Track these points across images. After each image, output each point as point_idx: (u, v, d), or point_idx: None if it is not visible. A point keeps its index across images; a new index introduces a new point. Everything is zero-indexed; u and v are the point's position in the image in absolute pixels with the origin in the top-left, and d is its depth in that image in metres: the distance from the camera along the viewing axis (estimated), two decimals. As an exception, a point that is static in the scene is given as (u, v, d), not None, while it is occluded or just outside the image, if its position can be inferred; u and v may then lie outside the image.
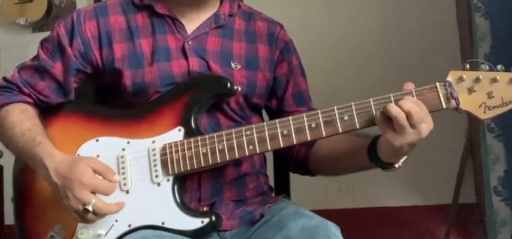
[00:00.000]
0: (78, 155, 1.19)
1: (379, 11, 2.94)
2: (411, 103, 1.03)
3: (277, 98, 1.35)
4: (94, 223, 1.12)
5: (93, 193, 1.09)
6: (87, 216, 1.09)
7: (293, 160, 1.35)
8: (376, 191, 2.89)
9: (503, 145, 2.20)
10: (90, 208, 1.08)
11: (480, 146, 2.29)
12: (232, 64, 1.27)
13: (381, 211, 2.86)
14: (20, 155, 1.21)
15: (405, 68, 2.76)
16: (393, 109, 1.03)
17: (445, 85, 1.06)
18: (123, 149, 1.18)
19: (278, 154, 1.39)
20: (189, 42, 1.26)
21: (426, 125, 1.03)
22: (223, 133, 1.13)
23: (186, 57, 1.24)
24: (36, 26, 3.33)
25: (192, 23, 1.28)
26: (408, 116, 1.02)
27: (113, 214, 1.12)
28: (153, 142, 1.17)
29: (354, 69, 2.91)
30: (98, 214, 1.10)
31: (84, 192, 1.08)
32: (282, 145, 1.11)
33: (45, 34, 1.32)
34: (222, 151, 1.12)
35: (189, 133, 1.16)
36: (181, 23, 1.27)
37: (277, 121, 1.11)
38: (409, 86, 1.07)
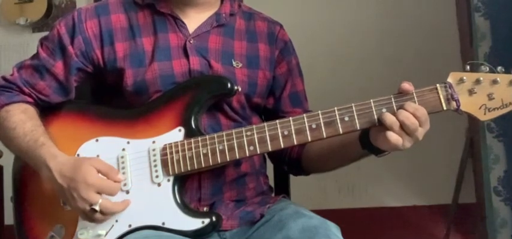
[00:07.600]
0: (78, 155, 1.19)
1: (378, 10, 2.94)
2: (407, 114, 1.02)
3: (275, 97, 1.35)
4: (101, 222, 1.12)
5: (99, 193, 1.10)
6: (94, 216, 1.10)
7: (286, 160, 1.35)
8: (376, 191, 2.89)
9: (503, 145, 2.20)
10: (97, 207, 1.08)
11: (480, 146, 2.29)
12: (233, 63, 1.27)
13: (381, 211, 2.86)
14: (22, 156, 1.20)
15: (405, 68, 2.77)
16: (388, 119, 1.03)
17: (445, 86, 1.06)
18: (123, 149, 1.17)
19: (271, 154, 1.37)
20: (191, 41, 1.25)
21: (422, 130, 1.04)
22: (224, 133, 1.13)
23: (187, 56, 1.24)
24: (36, 26, 3.33)
25: (194, 21, 1.28)
26: (403, 125, 1.02)
27: (119, 212, 1.13)
28: (153, 142, 1.17)
29: (354, 69, 2.91)
30: (106, 214, 1.10)
31: (90, 192, 1.08)
32: (282, 146, 1.10)
33: (45, 34, 1.31)
34: (222, 152, 1.12)
35: (190, 133, 1.15)
36: (182, 22, 1.27)
37: (277, 121, 1.11)
38: (407, 85, 1.07)
